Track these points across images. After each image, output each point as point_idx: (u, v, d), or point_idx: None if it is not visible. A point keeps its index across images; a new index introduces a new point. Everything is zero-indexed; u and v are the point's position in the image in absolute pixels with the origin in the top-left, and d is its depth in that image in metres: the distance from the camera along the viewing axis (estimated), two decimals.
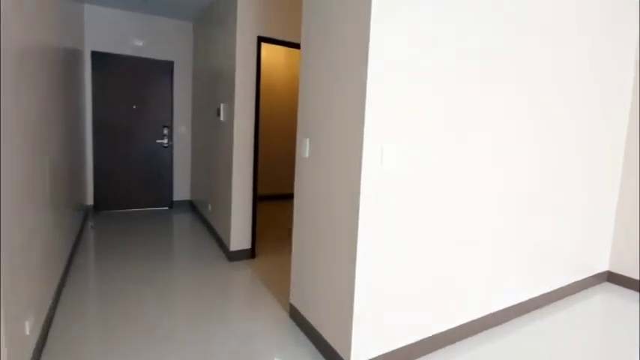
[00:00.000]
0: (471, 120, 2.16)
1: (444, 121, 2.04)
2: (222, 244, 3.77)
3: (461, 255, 2.25)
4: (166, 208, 5.39)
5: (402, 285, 2.02)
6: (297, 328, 2.38)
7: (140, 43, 4.97)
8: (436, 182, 2.07)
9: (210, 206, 4.35)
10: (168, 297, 2.72)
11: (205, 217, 4.59)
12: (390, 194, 1.90)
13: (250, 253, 3.61)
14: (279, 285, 3.03)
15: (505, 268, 2.52)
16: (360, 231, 1.83)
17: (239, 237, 3.54)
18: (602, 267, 3.38)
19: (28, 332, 1.78)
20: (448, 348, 2.23)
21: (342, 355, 1.95)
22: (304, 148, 2.33)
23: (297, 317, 2.43)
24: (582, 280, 3.17)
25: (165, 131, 5.26)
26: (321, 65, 2.15)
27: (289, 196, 6.63)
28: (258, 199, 4.13)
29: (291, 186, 6.59)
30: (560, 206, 2.84)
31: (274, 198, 6.57)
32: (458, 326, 2.30)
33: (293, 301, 2.50)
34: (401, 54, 1.84)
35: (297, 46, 3.60)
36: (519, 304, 2.65)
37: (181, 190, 5.50)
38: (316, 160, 2.21)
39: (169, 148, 5.32)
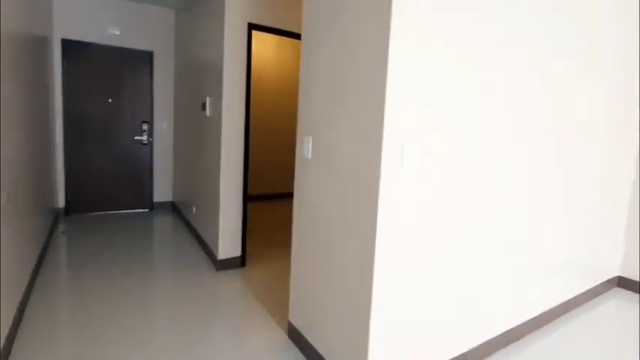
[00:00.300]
0: (496, 119, 1.93)
1: (468, 119, 1.80)
2: (208, 251, 3.45)
3: (485, 269, 2.02)
4: (146, 210, 5.01)
5: (424, 303, 1.78)
6: (299, 353, 2.10)
7: (117, 32, 4.56)
8: (459, 187, 1.83)
9: (194, 208, 4.01)
10: (148, 314, 2.40)
11: (189, 221, 4.25)
12: (411, 200, 1.65)
13: (240, 261, 3.31)
14: (275, 299, 2.75)
15: (527, 279, 2.31)
16: (378, 241, 1.57)
17: (228, 243, 3.23)
18: (614, 272, 3.24)
19: None
20: None
21: None
22: (306, 149, 2.05)
23: (297, 339, 2.15)
24: (596, 286, 3.02)
25: (145, 127, 4.87)
26: (328, 55, 1.87)
27: (281, 196, 6.34)
28: (248, 199, 3.80)
29: (284, 185, 6.30)
30: (575, 211, 2.66)
31: (265, 198, 6.25)
32: (478, 345, 2.08)
33: (293, 319, 2.22)
34: (426, 44, 1.58)
35: (292, 34, 3.30)
36: (538, 316, 2.46)
37: (163, 191, 5.12)
38: (321, 161, 1.94)
39: (149, 145, 4.93)
